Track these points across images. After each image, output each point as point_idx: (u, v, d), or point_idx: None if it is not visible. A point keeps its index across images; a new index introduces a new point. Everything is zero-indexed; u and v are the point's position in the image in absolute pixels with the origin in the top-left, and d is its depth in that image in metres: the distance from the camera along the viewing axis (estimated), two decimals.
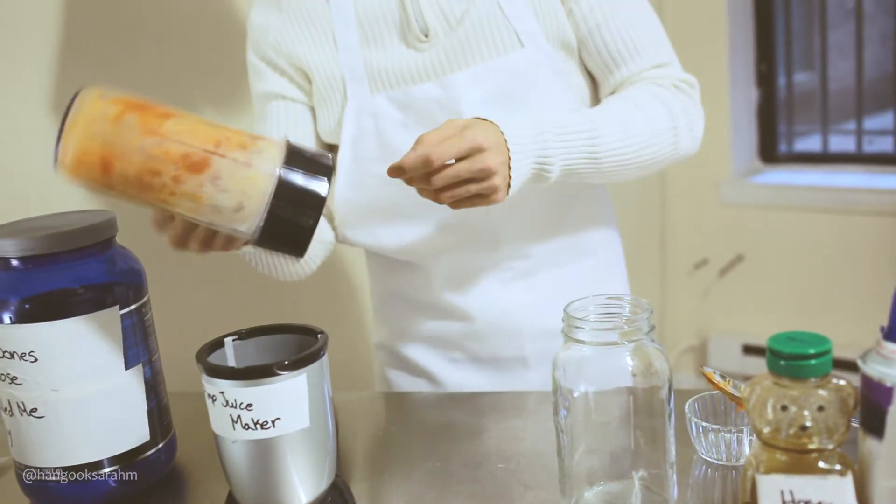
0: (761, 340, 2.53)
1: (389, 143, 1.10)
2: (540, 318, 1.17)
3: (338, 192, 1.14)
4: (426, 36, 1.09)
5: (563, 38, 1.10)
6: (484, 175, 0.91)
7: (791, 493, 0.65)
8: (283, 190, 0.75)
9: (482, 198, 0.93)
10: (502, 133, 0.94)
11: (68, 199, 1.14)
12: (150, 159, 0.73)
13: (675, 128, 1.09)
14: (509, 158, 0.94)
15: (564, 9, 1.10)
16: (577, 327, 0.74)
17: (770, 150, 2.98)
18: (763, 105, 2.97)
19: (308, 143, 1.13)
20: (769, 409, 0.65)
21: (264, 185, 0.74)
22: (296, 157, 0.76)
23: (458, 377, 1.22)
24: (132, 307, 0.87)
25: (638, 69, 1.12)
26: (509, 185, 0.95)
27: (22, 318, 0.82)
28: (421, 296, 1.21)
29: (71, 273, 0.84)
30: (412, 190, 0.95)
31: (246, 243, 0.83)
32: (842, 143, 2.96)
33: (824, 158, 2.95)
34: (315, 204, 0.75)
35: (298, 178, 0.75)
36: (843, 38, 2.91)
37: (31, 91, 1.32)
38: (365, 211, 1.15)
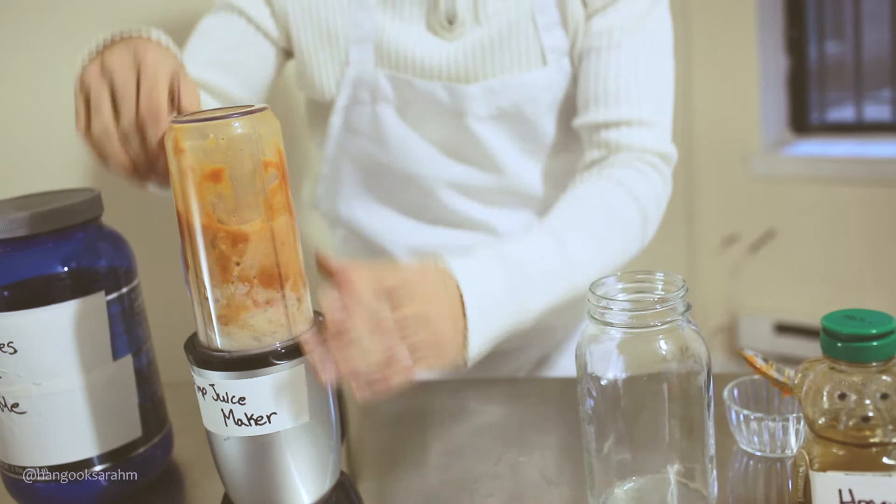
0: (794, 318, 2.48)
1: (383, 124, 1.02)
2: None
3: (324, 154, 1.08)
4: (450, 23, 0.99)
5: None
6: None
7: (851, 492, 0.57)
8: None
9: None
10: (460, 293, 0.75)
11: (52, 177, 1.09)
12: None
13: (645, 227, 0.98)
14: (465, 328, 0.75)
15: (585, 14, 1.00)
16: (605, 308, 0.67)
17: (801, 121, 2.88)
18: (793, 74, 2.87)
19: (256, 84, 1.05)
20: (825, 398, 0.58)
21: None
22: None
23: None
24: (120, 292, 0.80)
25: (616, 118, 0.98)
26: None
27: (0, 305, 0.75)
28: None
29: (52, 256, 0.77)
30: (399, 177, 0.90)
31: None
32: (876, 112, 2.86)
33: (858, 128, 2.84)
34: None
35: None
36: (873, 6, 2.81)
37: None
38: (345, 183, 1.09)
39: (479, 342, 0.76)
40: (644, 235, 0.98)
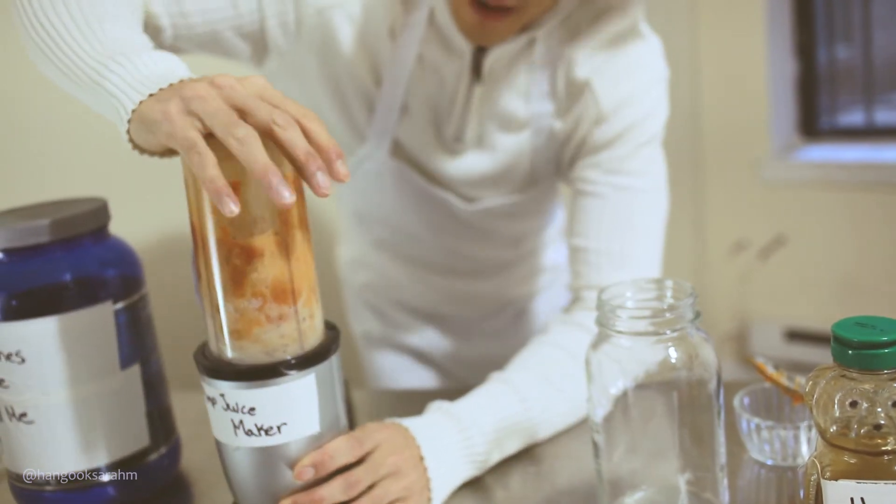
0: (805, 325, 2.46)
1: (386, 188, 1.08)
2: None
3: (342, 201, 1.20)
4: (456, 140, 1.03)
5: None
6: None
7: (863, 500, 0.57)
8: None
9: None
10: (418, 447, 0.79)
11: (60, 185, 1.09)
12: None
13: None
14: (428, 479, 0.79)
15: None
16: (614, 316, 0.67)
17: (811, 125, 2.87)
18: (803, 78, 2.86)
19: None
20: (836, 406, 0.57)
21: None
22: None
23: (446, 346, 1.28)
24: (127, 301, 0.80)
25: (588, 278, 0.99)
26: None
27: (8, 315, 0.76)
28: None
29: (60, 265, 0.77)
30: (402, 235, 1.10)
31: None
32: (887, 116, 2.84)
33: (869, 132, 2.83)
34: None
35: None
36: (883, 11, 2.81)
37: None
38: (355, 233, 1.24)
39: (442, 490, 0.79)
40: None
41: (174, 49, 0.90)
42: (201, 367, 0.68)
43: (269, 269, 0.65)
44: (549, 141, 1.02)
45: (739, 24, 2.71)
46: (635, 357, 0.68)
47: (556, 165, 1.05)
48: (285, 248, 0.65)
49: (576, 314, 0.96)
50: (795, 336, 2.74)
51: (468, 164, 1.04)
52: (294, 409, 0.67)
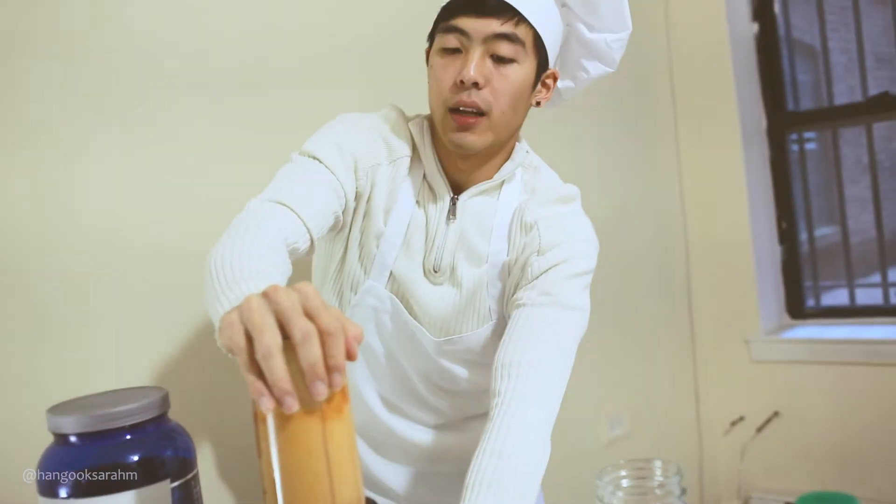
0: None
1: (383, 324, 1.26)
2: None
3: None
4: (435, 271, 1.24)
5: None
6: None
7: None
8: None
9: None
10: None
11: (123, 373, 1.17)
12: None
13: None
14: None
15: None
16: (611, 493, 0.76)
17: (797, 306, 3.01)
18: (787, 261, 3.01)
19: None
20: None
21: None
22: None
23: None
24: (183, 479, 0.90)
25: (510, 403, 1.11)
26: None
27: (76, 492, 0.84)
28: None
29: (125, 448, 0.87)
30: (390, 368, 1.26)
31: None
32: (868, 295, 2.98)
33: (852, 312, 2.97)
34: None
35: None
36: (863, 191, 2.98)
37: None
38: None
39: None
40: (546, 457, 1.06)
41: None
42: None
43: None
44: (500, 273, 1.24)
45: (726, 213, 2.89)
46: None
47: (504, 297, 1.24)
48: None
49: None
50: None
51: (442, 294, 1.23)
52: None
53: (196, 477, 0.93)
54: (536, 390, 1.09)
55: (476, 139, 1.18)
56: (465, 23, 1.15)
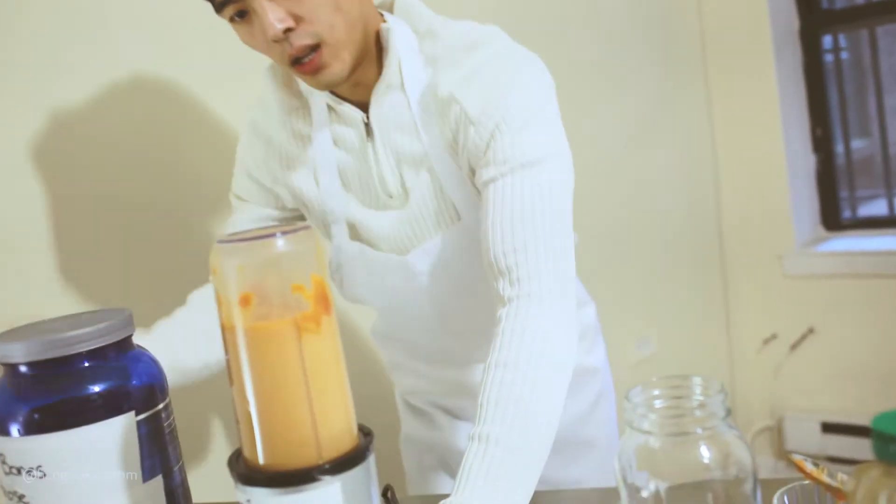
0: (841, 418, 2.42)
1: (365, 279, 1.18)
2: None
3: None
4: (390, 197, 1.13)
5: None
6: None
7: None
8: None
9: None
10: None
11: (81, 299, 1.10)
12: None
13: (568, 356, 0.97)
14: None
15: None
16: (643, 416, 0.65)
17: (833, 218, 2.87)
18: (822, 171, 2.88)
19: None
20: None
21: None
22: None
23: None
24: (151, 412, 0.80)
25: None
26: None
27: (30, 429, 0.75)
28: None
29: (83, 377, 0.77)
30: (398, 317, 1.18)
31: None
32: None
33: (891, 222, 2.83)
34: None
35: None
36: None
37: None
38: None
39: None
40: (570, 359, 0.97)
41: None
42: (234, 473, 0.68)
43: None
44: (447, 163, 1.07)
45: (756, 121, 2.76)
46: (667, 457, 0.66)
47: (463, 185, 1.08)
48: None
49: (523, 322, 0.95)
50: (833, 429, 2.68)
51: (402, 217, 1.12)
52: None
53: (168, 408, 0.83)
54: (538, 282, 0.96)
55: (334, 70, 1.02)
56: None
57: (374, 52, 1.08)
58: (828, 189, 2.88)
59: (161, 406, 0.81)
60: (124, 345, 0.81)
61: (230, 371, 0.67)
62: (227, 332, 0.67)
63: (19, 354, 0.76)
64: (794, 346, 2.80)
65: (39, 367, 0.77)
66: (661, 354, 2.60)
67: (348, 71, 1.03)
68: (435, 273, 1.13)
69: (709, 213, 2.87)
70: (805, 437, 2.73)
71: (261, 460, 0.66)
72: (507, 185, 0.99)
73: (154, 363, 0.83)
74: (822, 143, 2.86)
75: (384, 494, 0.93)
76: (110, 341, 0.79)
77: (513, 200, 0.99)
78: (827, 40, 2.87)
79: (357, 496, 0.67)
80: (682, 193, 2.79)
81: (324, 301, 0.67)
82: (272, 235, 0.66)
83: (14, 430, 0.75)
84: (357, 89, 1.10)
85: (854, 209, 2.93)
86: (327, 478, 0.65)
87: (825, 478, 0.75)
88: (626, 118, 2.56)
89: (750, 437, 2.80)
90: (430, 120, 1.07)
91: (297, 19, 0.98)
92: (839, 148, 2.88)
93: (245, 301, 0.65)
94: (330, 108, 1.12)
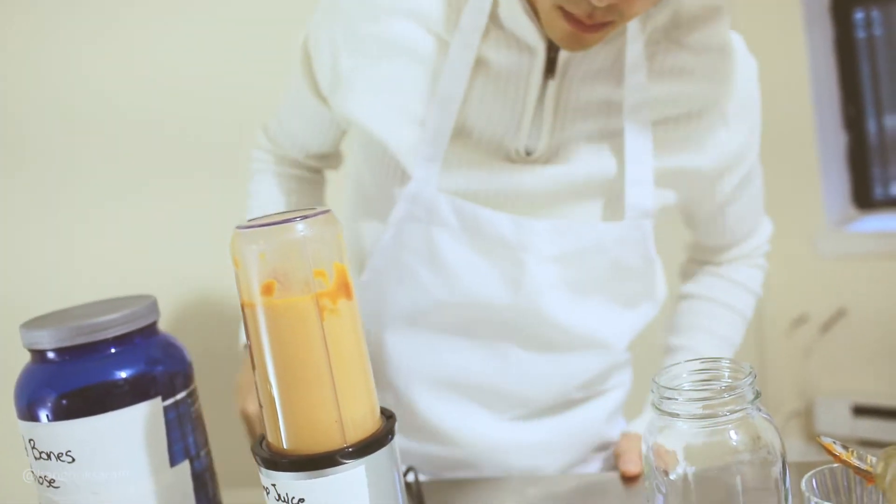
0: (873, 400, 2.39)
1: (438, 247, 0.95)
2: (538, 462, 1.07)
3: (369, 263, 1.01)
4: (528, 154, 0.93)
5: (665, 207, 1.00)
6: None
7: None
8: None
9: None
10: None
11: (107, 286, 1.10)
12: None
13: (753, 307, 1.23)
14: None
15: (699, 185, 1.04)
16: (670, 399, 0.64)
17: (865, 196, 2.83)
18: (853, 149, 2.83)
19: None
20: None
21: None
22: None
23: None
24: (176, 398, 0.80)
25: (749, 249, 1.25)
26: None
27: (59, 415, 0.76)
28: (403, 417, 1.02)
29: (110, 364, 0.78)
30: (432, 304, 0.95)
31: None
32: None
33: None
34: None
35: None
36: None
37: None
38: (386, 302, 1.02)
39: None
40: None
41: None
42: (258, 457, 0.68)
43: None
44: (643, 135, 0.91)
45: (786, 98, 2.71)
46: (695, 441, 0.65)
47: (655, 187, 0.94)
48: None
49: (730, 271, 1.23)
50: (864, 411, 2.65)
51: (544, 177, 0.92)
52: (345, 501, 0.66)
53: (194, 394, 0.83)
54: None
55: (599, 39, 0.85)
56: None
57: None
58: (859, 167, 2.83)
59: (187, 391, 0.82)
60: (150, 330, 0.81)
61: (252, 355, 0.67)
62: (247, 309, 0.66)
63: (47, 341, 0.76)
64: (824, 328, 2.76)
65: (67, 353, 0.77)
66: None
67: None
68: (552, 262, 0.94)
69: None
70: (836, 419, 2.71)
71: (284, 444, 0.66)
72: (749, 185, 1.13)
73: (180, 348, 0.83)
74: (853, 121, 2.81)
75: (406, 476, 0.93)
76: (137, 327, 0.79)
77: (752, 198, 1.16)
78: (859, 16, 2.81)
79: (381, 479, 0.67)
80: None
81: (345, 287, 0.67)
82: (292, 220, 0.65)
83: (43, 415, 0.76)
84: None
85: (886, 187, 2.88)
86: (351, 461, 0.65)
87: (854, 460, 0.74)
88: None
89: (780, 420, 2.77)
90: (643, 71, 0.91)
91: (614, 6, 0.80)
92: (871, 126, 2.83)
93: (267, 289, 0.65)
94: (494, 24, 0.89)
